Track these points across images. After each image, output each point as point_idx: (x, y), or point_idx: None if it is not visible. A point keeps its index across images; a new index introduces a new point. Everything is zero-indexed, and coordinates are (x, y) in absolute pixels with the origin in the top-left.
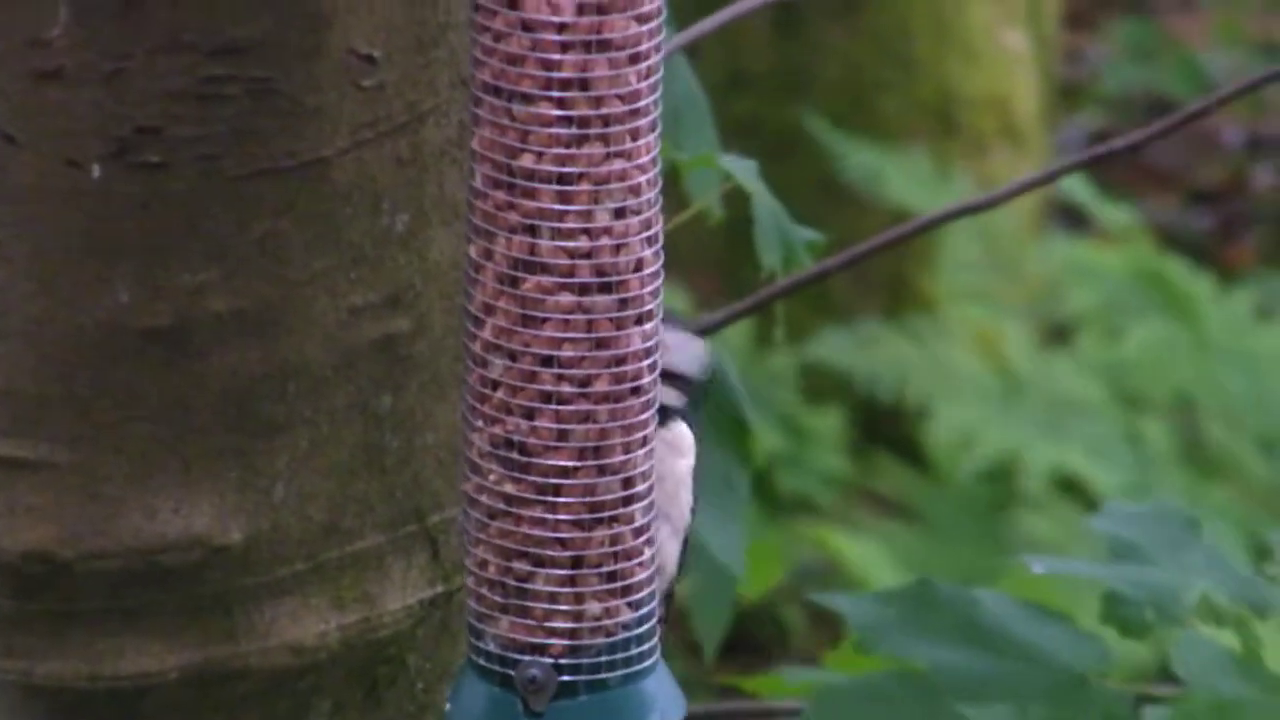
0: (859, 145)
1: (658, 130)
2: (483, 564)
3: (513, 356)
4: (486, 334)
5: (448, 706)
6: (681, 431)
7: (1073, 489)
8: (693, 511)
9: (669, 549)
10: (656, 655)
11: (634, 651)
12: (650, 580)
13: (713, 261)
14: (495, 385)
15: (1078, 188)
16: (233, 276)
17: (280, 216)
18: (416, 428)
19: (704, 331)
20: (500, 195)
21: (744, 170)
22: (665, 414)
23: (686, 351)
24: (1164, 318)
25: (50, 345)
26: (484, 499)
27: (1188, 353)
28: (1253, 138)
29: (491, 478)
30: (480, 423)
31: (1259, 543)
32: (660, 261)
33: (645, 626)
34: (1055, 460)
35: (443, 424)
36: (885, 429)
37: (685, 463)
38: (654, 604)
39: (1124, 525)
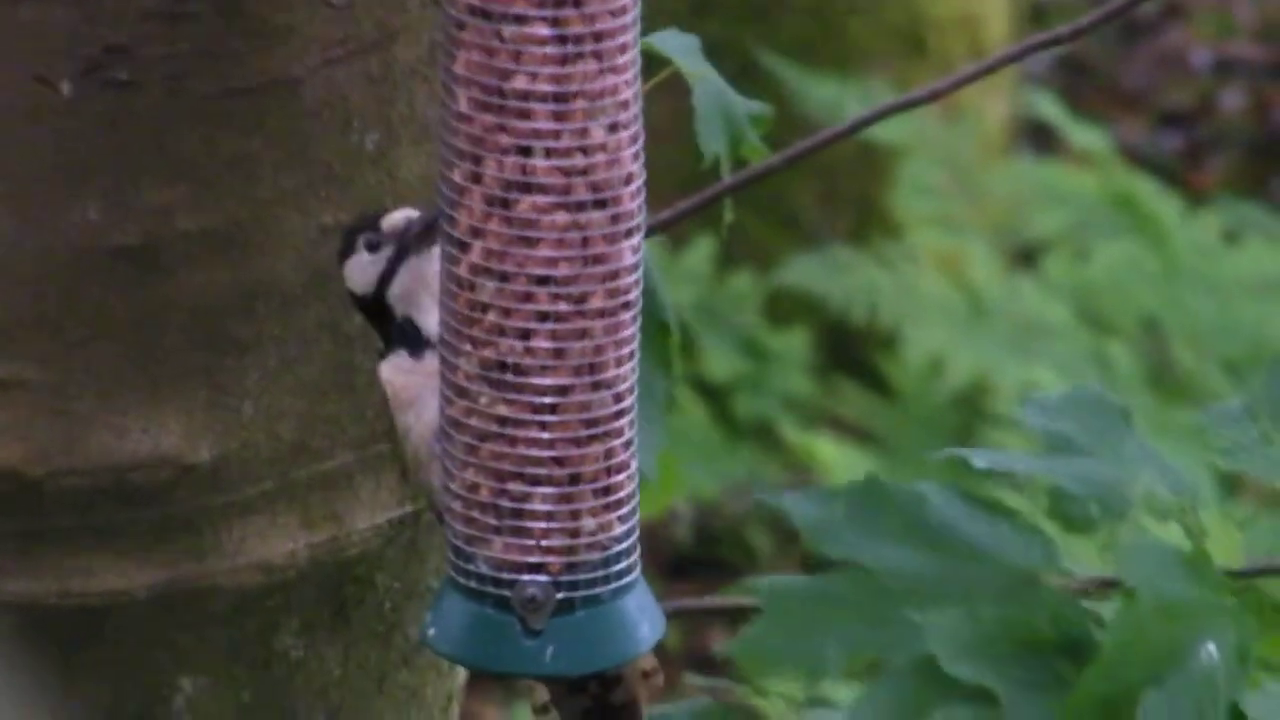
0: (818, 79)
1: (638, 42)
2: (473, 487)
3: (504, 278)
4: (474, 257)
5: (430, 631)
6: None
7: None
8: None
9: None
10: (639, 569)
11: (623, 565)
12: (635, 493)
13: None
14: (485, 308)
15: (1047, 107)
16: (202, 195)
17: (250, 135)
18: None
19: (652, 232)
20: (489, 118)
21: (685, 50)
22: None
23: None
24: (1131, 240)
25: (19, 264)
26: (473, 422)
27: (1155, 276)
28: (1221, 60)
29: (482, 400)
30: (468, 346)
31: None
32: (644, 174)
33: (631, 540)
34: (1024, 380)
35: None
36: (850, 355)
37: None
38: (637, 517)
39: (1055, 417)
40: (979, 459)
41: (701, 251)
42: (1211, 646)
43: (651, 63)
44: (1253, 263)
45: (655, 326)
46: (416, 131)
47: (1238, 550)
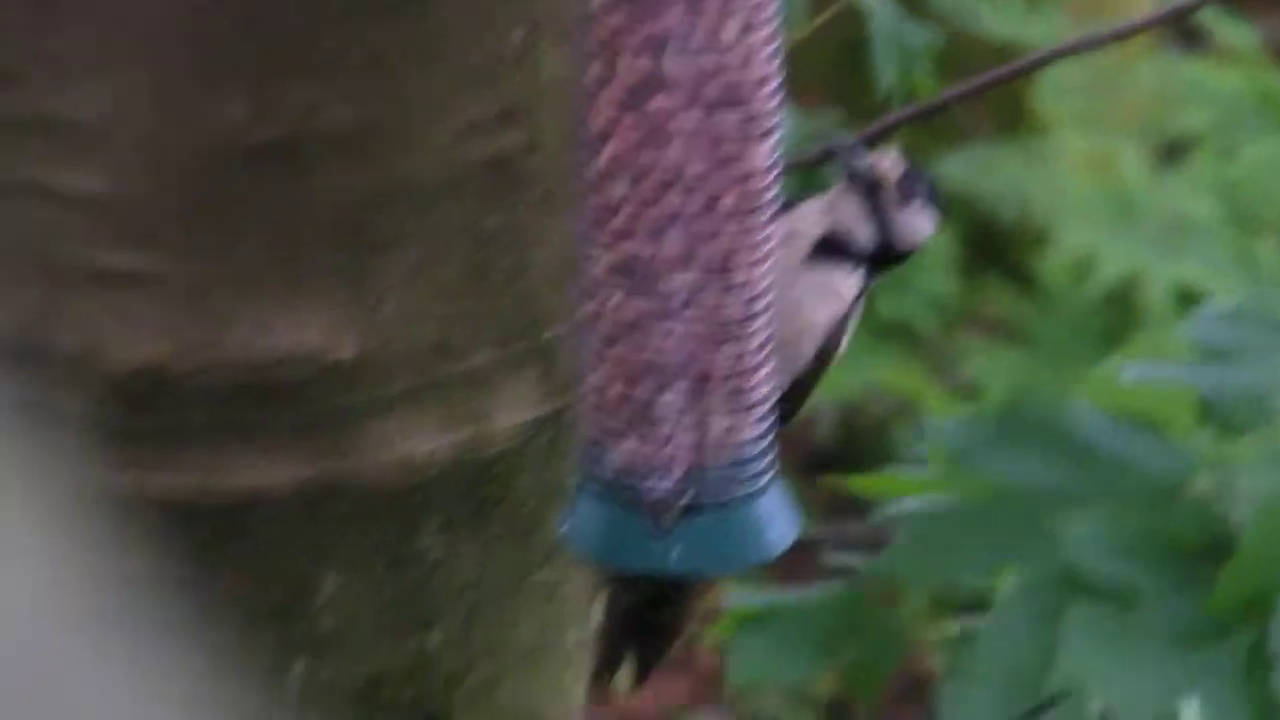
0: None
1: None
2: (604, 386)
3: (636, 178)
4: (606, 156)
5: (564, 528)
6: (835, 278)
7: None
8: (824, 363)
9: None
10: (773, 473)
11: (754, 469)
12: (769, 397)
13: (823, 84)
14: (617, 208)
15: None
16: (345, 93)
17: (394, 32)
18: (528, 244)
19: (827, 158)
20: (621, 16)
21: None
22: (832, 255)
23: (915, 225)
24: (1277, 138)
25: (163, 159)
26: (605, 322)
27: None
28: None
29: (613, 300)
30: (601, 246)
31: None
32: (781, 77)
33: (764, 444)
34: (1173, 278)
35: (555, 241)
36: (996, 254)
37: (827, 312)
38: (772, 420)
39: (1215, 329)
40: (1128, 372)
41: None
42: None
43: None
44: None
45: None
46: (559, 30)
47: None
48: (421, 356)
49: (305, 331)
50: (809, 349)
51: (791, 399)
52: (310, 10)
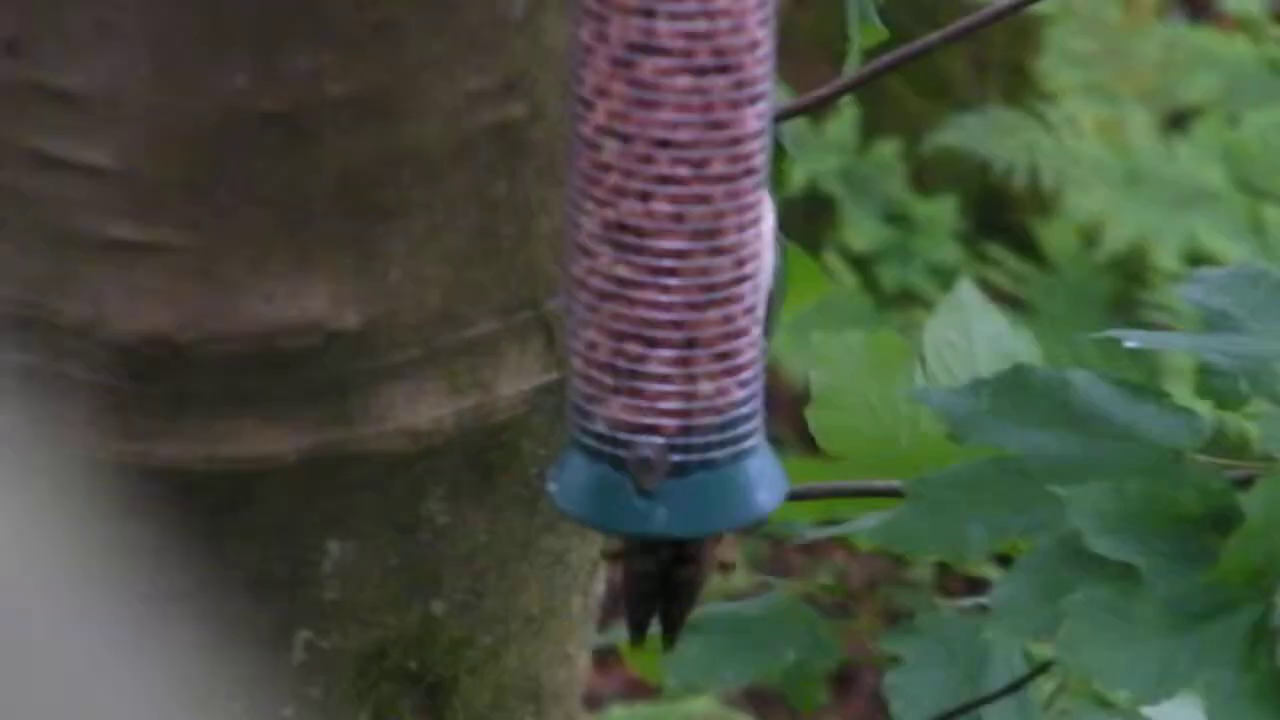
0: None
1: None
2: (592, 346)
3: (626, 139)
4: (598, 117)
5: (551, 486)
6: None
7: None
8: (775, 274)
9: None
10: (761, 434)
11: (741, 430)
12: (757, 359)
13: (818, 46)
14: (608, 169)
15: None
16: (350, 60)
17: (397, 0)
18: (532, 214)
19: (804, 110)
20: None
21: None
22: None
23: None
24: None
25: (168, 129)
26: (594, 282)
27: None
28: None
29: (603, 260)
30: (591, 206)
31: None
32: (772, 42)
33: (752, 405)
34: (1183, 245)
35: (557, 210)
36: (1000, 221)
37: (766, 224)
38: (759, 382)
39: (1215, 293)
40: (1130, 339)
41: (845, 120)
42: None
43: None
44: None
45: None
46: None
47: None
48: (427, 324)
49: (312, 300)
50: (769, 258)
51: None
52: None
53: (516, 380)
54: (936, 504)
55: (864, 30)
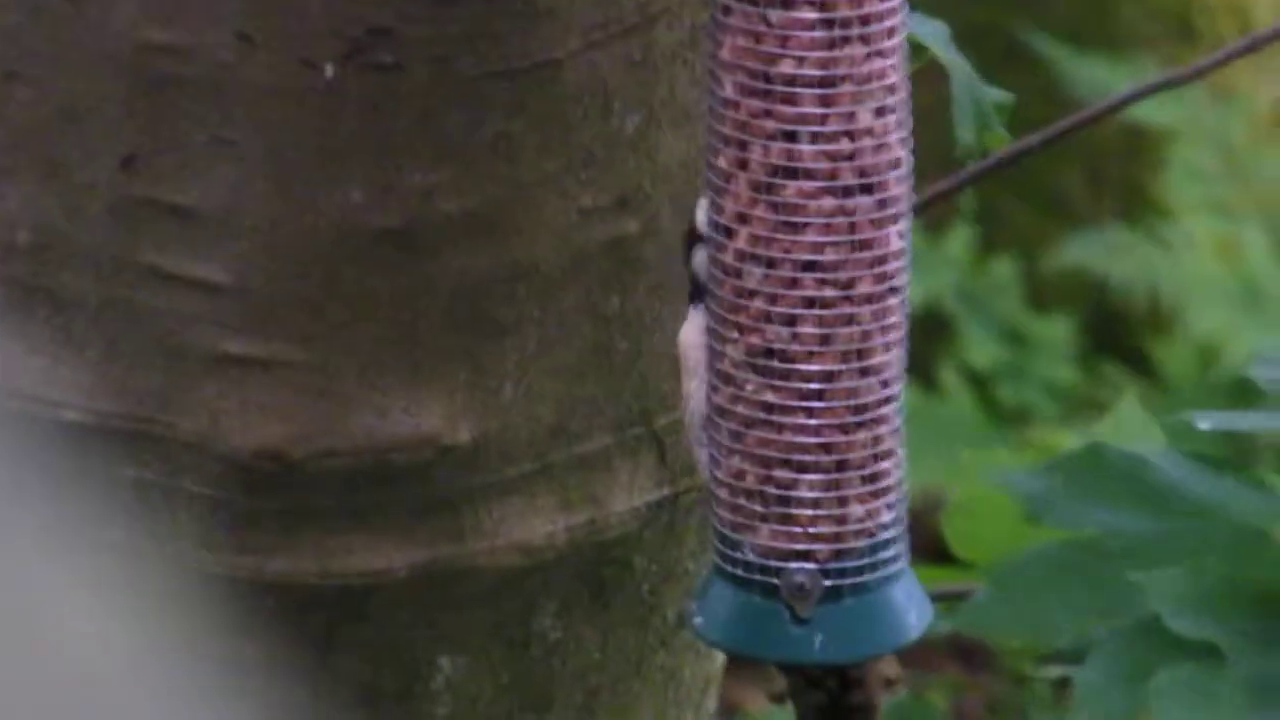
0: (1087, 60)
1: (906, 25)
2: (739, 474)
3: (771, 264)
4: (740, 243)
5: (697, 619)
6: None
7: None
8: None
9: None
10: (906, 557)
11: (890, 553)
12: (902, 481)
13: (927, 148)
14: (751, 294)
15: None
16: (464, 177)
17: (512, 117)
18: (644, 329)
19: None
20: (755, 103)
21: (935, 37)
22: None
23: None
24: None
25: (283, 244)
26: (739, 409)
27: None
28: None
29: (749, 387)
30: (735, 333)
31: None
32: (911, 159)
33: (899, 528)
34: None
35: (669, 326)
36: (1116, 342)
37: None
38: (904, 504)
39: None
40: (1202, 420)
41: (961, 237)
42: None
43: (910, 49)
44: None
45: None
46: (677, 115)
47: None
48: (539, 439)
49: (425, 416)
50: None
51: None
52: (431, 94)
53: (629, 496)
54: (1016, 588)
55: (987, 136)
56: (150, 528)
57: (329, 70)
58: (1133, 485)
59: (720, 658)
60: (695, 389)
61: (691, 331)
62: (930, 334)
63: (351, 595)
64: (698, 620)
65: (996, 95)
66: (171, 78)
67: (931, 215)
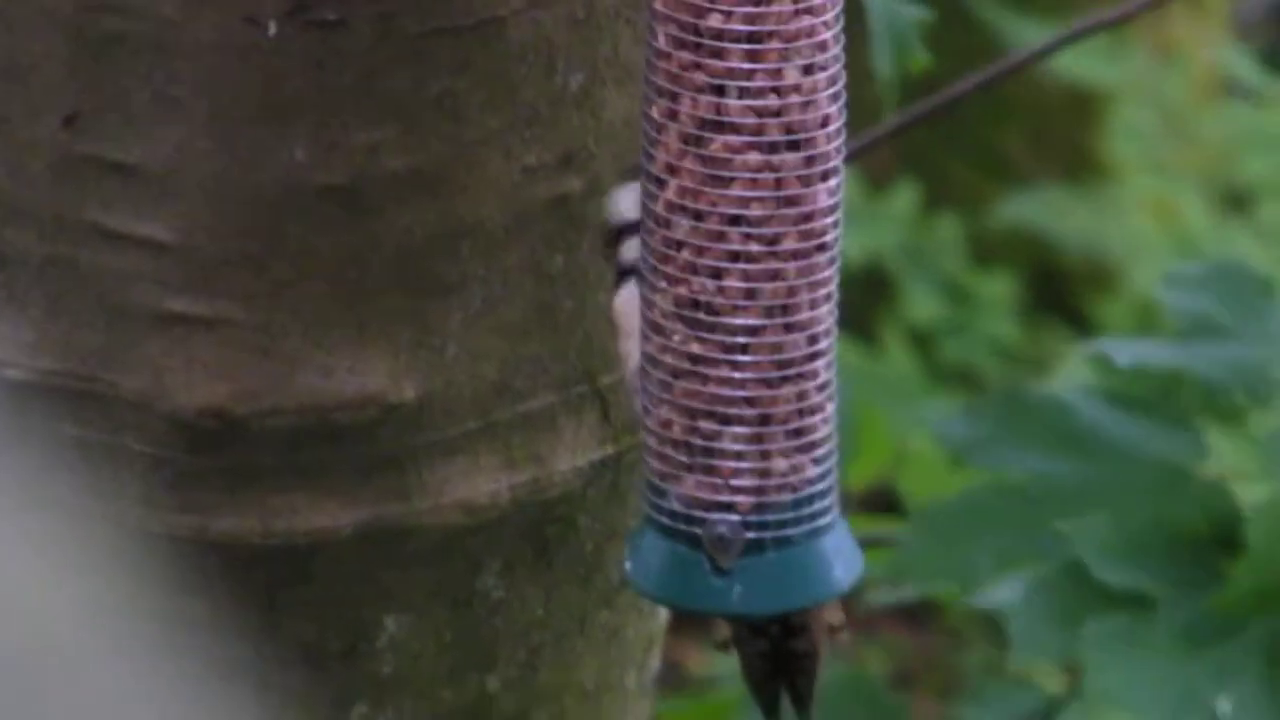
0: (1030, 22)
1: None
2: (666, 424)
3: (698, 216)
4: (670, 194)
5: (627, 565)
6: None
7: None
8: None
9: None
10: (836, 511)
11: (817, 507)
12: (831, 436)
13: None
14: (680, 245)
15: (1235, 59)
16: (408, 135)
17: (456, 75)
18: (588, 288)
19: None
20: (686, 55)
21: None
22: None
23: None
24: None
25: (226, 203)
26: (667, 359)
27: None
28: None
29: (676, 338)
30: (664, 284)
31: None
32: (844, 117)
33: (827, 482)
34: None
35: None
36: (1058, 300)
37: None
38: (834, 459)
39: (1195, 294)
40: (1121, 354)
41: (905, 195)
42: None
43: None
44: None
45: None
46: (620, 73)
47: None
48: (484, 398)
49: (369, 374)
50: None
51: None
52: (375, 52)
53: (572, 455)
54: (941, 534)
55: (907, 59)
56: (93, 486)
57: (272, 27)
58: (1055, 428)
59: (663, 616)
60: (632, 349)
61: (627, 295)
62: (872, 291)
63: (295, 554)
64: (628, 566)
65: (915, 12)
66: (114, 35)
67: (873, 172)
